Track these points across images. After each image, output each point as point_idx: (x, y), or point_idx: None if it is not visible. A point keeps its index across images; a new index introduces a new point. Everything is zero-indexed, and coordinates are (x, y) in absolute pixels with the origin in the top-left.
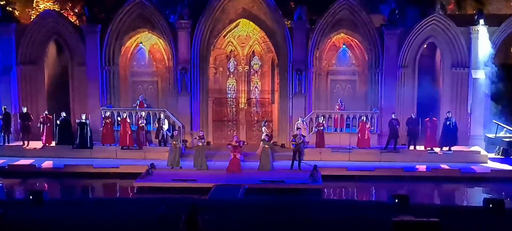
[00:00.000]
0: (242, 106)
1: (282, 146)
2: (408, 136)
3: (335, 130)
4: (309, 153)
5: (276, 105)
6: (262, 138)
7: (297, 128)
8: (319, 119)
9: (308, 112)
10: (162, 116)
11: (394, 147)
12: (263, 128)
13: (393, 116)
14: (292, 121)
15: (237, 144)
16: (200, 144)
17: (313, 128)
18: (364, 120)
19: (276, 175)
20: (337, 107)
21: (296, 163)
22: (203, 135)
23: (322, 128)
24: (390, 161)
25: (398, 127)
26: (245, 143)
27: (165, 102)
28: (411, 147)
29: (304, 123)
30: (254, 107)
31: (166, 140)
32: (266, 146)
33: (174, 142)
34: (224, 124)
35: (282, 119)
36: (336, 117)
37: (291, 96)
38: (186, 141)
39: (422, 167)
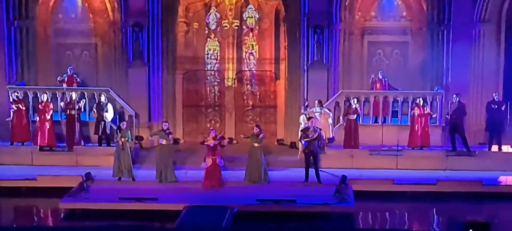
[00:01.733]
0: (229, 83)
1: (292, 145)
2: (487, 129)
3: (375, 121)
4: (334, 156)
5: (282, 83)
6: (255, 133)
7: (308, 117)
8: (351, 103)
9: (332, 94)
10: (103, 98)
11: (466, 148)
12: (301, 116)
13: (494, 97)
14: (308, 106)
15: (217, 141)
16: (164, 142)
17: (341, 118)
18: (421, 104)
19: (282, 191)
20: (378, 85)
21: (311, 171)
22: (168, 129)
23: (354, 116)
24: (461, 170)
25: (461, 116)
26: (232, 141)
27: (109, 78)
28: (494, 147)
29: (324, 110)
30: (248, 86)
31: (109, 137)
32: (256, 144)
33: (122, 140)
34: (201, 112)
35: (292, 103)
36: (376, 100)
37: (306, 68)
38: (142, 138)
39: (510, 179)
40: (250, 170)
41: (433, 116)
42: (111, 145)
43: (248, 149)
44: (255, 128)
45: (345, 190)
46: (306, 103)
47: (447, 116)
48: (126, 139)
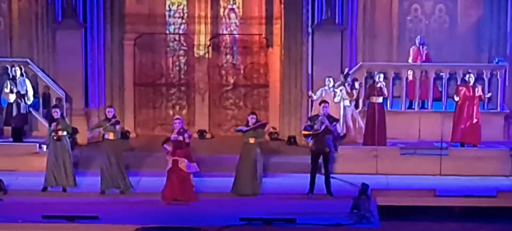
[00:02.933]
0: (201, 53)
1: (291, 141)
2: None
3: (410, 106)
4: (351, 156)
5: (276, 52)
6: (250, 124)
7: (322, 101)
8: (375, 80)
9: (349, 66)
10: (19, 73)
11: None
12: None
13: None
14: (313, 86)
15: (181, 136)
16: (111, 136)
17: (360, 102)
18: (471, 83)
19: (276, 207)
20: (414, 55)
21: (320, 178)
22: (114, 117)
23: (380, 99)
24: None
25: None
26: (205, 133)
27: (28, 45)
28: None
29: (337, 90)
30: (228, 56)
31: (26, 128)
32: (251, 140)
33: (59, 133)
34: (160, 93)
35: (290, 81)
36: (411, 77)
37: (310, 31)
38: (76, 131)
39: None
40: (242, 177)
41: (487, 96)
42: (28, 140)
43: (241, 147)
44: (250, 116)
45: (366, 205)
46: (326, 86)
47: None
48: (64, 132)
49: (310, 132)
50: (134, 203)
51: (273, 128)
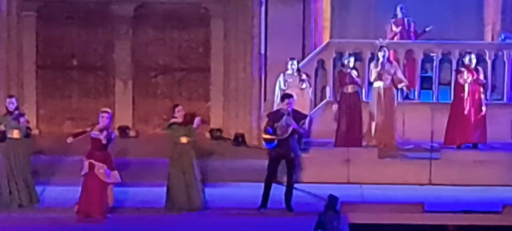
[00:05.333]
0: (123, 27)
1: (238, 140)
2: None
3: (403, 96)
4: (317, 160)
5: (218, 26)
6: (177, 119)
7: (284, 96)
8: (345, 62)
9: (313, 47)
10: None
11: None
12: (280, 78)
13: None
14: (266, 70)
15: (103, 136)
16: (16, 135)
17: (328, 91)
18: (472, 66)
19: (219, 226)
20: (393, 28)
21: (277, 189)
22: (17, 108)
23: (353, 88)
24: None
25: None
26: (128, 130)
27: None
28: None
29: (299, 76)
30: (158, 32)
31: None
32: (184, 140)
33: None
34: (71, 79)
35: (237, 64)
36: (393, 57)
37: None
38: None
39: None
40: (174, 187)
41: (485, 85)
42: None
43: (169, 149)
44: (176, 108)
45: (334, 223)
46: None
47: None
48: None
49: (273, 137)
50: (38, 220)
51: (203, 120)
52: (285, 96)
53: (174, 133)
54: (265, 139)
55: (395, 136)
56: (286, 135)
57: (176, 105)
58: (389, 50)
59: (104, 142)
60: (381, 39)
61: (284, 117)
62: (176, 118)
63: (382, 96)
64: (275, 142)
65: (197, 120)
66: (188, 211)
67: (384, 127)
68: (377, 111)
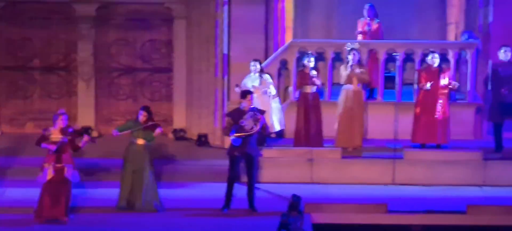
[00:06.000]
0: (85, 26)
1: (201, 140)
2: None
3: (367, 96)
4: (279, 160)
5: (180, 25)
6: (140, 120)
7: (245, 92)
8: (305, 63)
9: (276, 47)
10: None
11: None
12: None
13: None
14: (229, 70)
15: (68, 136)
16: None
17: (290, 91)
18: (435, 64)
19: (180, 227)
20: (361, 29)
21: (240, 189)
22: None
23: (313, 88)
24: (510, 185)
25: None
26: (90, 131)
27: None
28: None
29: (265, 78)
30: (121, 31)
31: None
32: (140, 141)
33: None
34: (32, 78)
35: (200, 64)
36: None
37: None
38: None
39: None
40: (127, 187)
41: (453, 86)
42: None
43: (125, 149)
44: (141, 111)
45: (298, 223)
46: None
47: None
48: None
49: (242, 134)
50: None
51: (163, 133)
52: (246, 92)
53: (135, 127)
54: (235, 137)
55: (361, 138)
56: (256, 129)
57: (141, 108)
58: (359, 53)
59: (82, 146)
60: (350, 43)
61: (249, 113)
62: (139, 119)
63: (352, 97)
64: (237, 140)
65: (159, 130)
66: (143, 210)
67: (351, 128)
68: (344, 112)
